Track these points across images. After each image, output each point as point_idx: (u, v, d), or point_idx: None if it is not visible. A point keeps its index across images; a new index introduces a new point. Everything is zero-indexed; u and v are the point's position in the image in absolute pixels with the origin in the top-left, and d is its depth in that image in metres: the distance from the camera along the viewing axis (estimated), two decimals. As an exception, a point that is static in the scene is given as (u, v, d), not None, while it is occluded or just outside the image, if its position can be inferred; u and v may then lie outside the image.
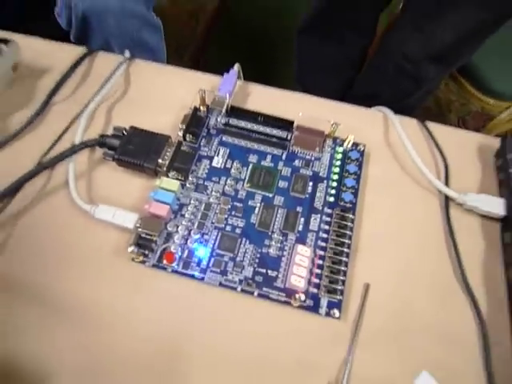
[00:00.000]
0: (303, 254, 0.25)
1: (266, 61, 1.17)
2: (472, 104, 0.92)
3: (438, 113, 1.11)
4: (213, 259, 0.25)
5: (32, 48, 0.35)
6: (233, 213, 0.27)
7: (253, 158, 0.29)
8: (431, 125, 0.34)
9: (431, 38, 0.64)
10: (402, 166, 0.31)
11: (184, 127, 0.29)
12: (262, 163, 0.29)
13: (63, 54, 0.35)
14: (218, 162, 0.29)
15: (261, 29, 1.37)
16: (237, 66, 0.33)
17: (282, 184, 0.28)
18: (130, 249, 0.24)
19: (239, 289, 0.25)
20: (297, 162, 0.29)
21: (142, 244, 0.25)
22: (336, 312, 0.24)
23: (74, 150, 0.28)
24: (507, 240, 0.28)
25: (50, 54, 0.35)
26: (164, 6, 1.27)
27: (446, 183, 0.30)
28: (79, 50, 0.35)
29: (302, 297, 0.24)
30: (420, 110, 0.90)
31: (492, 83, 0.82)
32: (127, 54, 0.35)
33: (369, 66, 0.82)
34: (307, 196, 0.28)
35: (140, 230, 0.25)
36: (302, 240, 0.26)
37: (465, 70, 0.85)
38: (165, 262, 0.25)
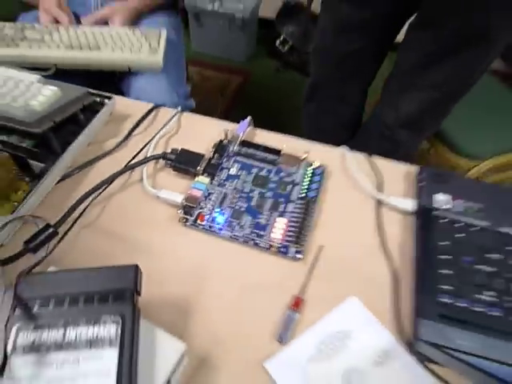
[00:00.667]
0: (281, 222, 0.42)
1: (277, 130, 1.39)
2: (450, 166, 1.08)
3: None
4: (227, 223, 0.42)
5: (121, 102, 0.55)
6: (240, 199, 0.44)
7: (254, 170, 0.47)
8: (374, 157, 0.51)
9: (399, 110, 0.83)
10: (351, 180, 0.48)
11: (213, 150, 0.48)
12: (260, 173, 0.47)
13: (139, 107, 0.55)
14: (233, 171, 0.47)
15: (275, 106, 1.62)
16: (249, 117, 0.53)
17: (272, 185, 0.46)
18: (179, 211, 0.41)
19: (241, 240, 0.41)
20: (282, 174, 0.47)
21: (186, 211, 0.42)
22: (299, 256, 0.40)
23: (147, 159, 0.46)
24: (416, 225, 0.44)
25: (131, 107, 0.55)
26: (196, 82, 1.56)
27: (379, 191, 0.47)
28: (149, 105, 0.55)
29: (279, 243, 0.40)
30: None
31: (462, 146, 1.00)
32: (179, 108, 0.55)
33: (360, 131, 1.02)
34: (287, 193, 0.45)
35: (185, 203, 0.42)
36: (281, 216, 0.43)
37: (438, 135, 1.04)
38: (198, 221, 0.42)
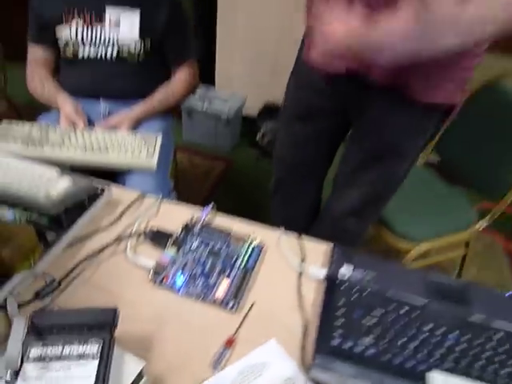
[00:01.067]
0: (224, 284, 0.58)
1: (252, 214, 1.59)
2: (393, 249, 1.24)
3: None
4: (184, 283, 0.57)
5: (115, 189, 0.73)
6: (197, 266, 0.60)
7: (210, 246, 0.64)
8: (305, 237, 0.68)
9: (345, 202, 1.02)
10: (282, 255, 0.65)
11: (181, 230, 0.65)
12: (214, 248, 0.63)
13: (129, 194, 0.73)
14: (194, 246, 0.63)
15: (254, 191, 1.84)
16: (212, 204, 0.71)
17: (222, 257, 0.62)
18: (150, 273, 0.57)
19: (194, 296, 0.56)
20: (230, 248, 0.64)
21: (156, 273, 0.58)
22: (235, 308, 0.55)
23: (131, 235, 0.63)
24: (324, 289, 0.60)
25: (123, 193, 0.73)
26: (185, 167, 1.80)
27: (303, 263, 0.63)
28: (137, 193, 0.74)
29: (221, 299, 0.55)
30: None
31: (401, 231, 1.19)
32: (160, 197, 0.73)
33: (316, 221, 1.20)
34: (232, 262, 0.61)
35: (155, 267, 0.58)
36: (225, 279, 0.59)
37: (382, 222, 1.22)
38: (164, 281, 0.57)
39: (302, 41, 0.89)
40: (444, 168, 1.42)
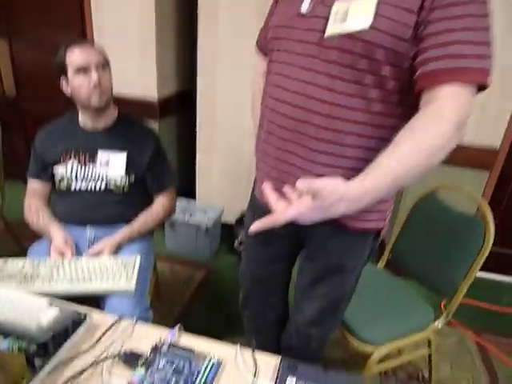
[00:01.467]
0: (185, 399, 0.68)
1: (230, 319, 1.67)
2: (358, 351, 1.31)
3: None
4: (151, 400, 0.68)
5: (95, 313, 0.85)
6: (163, 381, 0.70)
7: (175, 364, 0.75)
8: (257, 352, 0.80)
9: (305, 313, 1.13)
10: (238, 370, 0.76)
11: (150, 350, 0.76)
12: (179, 366, 0.74)
13: (107, 318, 0.85)
14: (161, 365, 0.74)
15: (232, 296, 1.93)
16: (178, 326, 0.83)
17: (186, 373, 0.73)
18: (122, 393, 0.67)
19: (158, 412, 0.66)
20: (193, 365, 0.74)
21: (126, 392, 0.68)
22: (193, 422, 0.65)
23: (107, 357, 0.74)
24: None
25: (101, 318, 0.85)
26: (167, 275, 1.93)
27: (255, 376, 0.74)
28: (114, 317, 0.86)
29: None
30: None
31: (364, 335, 1.29)
32: (135, 320, 0.85)
33: (284, 329, 1.30)
34: (194, 378, 0.72)
35: (126, 387, 0.69)
36: (186, 395, 0.69)
37: (345, 327, 1.33)
38: (133, 399, 0.67)
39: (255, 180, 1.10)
40: (398, 267, 1.55)
